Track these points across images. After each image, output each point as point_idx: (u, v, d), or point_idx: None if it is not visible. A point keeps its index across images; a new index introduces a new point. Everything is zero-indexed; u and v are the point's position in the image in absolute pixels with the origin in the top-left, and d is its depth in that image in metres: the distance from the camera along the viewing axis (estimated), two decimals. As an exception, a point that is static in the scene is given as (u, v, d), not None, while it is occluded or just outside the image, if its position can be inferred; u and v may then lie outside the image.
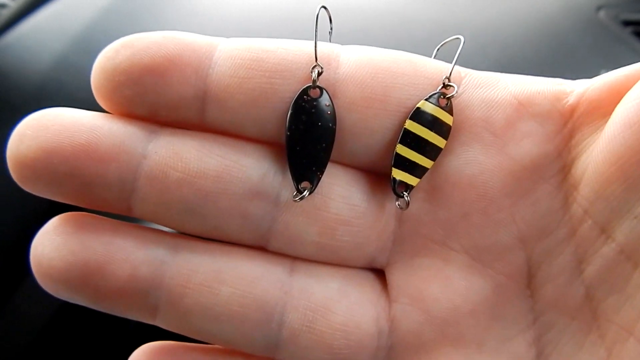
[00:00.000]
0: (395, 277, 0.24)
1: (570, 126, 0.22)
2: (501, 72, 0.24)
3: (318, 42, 0.22)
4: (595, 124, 0.21)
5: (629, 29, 0.52)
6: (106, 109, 0.22)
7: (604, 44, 0.51)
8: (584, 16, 0.54)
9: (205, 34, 0.22)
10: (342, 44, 0.23)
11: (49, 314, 0.46)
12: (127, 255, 0.21)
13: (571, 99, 0.22)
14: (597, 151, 0.21)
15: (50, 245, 0.21)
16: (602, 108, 0.21)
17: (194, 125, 0.22)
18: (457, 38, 0.24)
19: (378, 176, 0.24)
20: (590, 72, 0.46)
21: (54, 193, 0.22)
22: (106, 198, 0.22)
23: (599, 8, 0.54)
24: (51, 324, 0.47)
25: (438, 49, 0.25)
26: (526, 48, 0.51)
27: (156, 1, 0.55)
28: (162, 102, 0.21)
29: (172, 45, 0.21)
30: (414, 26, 0.53)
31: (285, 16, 0.54)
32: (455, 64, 0.22)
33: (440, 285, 0.23)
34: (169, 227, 0.23)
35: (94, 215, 0.23)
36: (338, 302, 0.23)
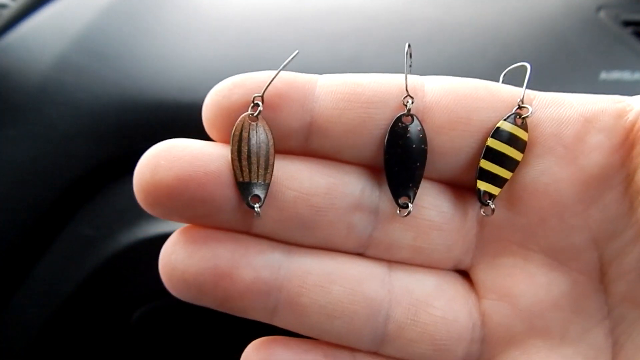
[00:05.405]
0: (481, 276, 0.27)
1: (631, 139, 0.24)
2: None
3: (402, 75, 0.25)
4: None
5: (629, 29, 0.52)
6: (217, 140, 0.25)
7: (604, 44, 0.51)
8: (584, 16, 0.54)
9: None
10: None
11: (49, 314, 0.46)
12: (250, 261, 0.24)
13: (631, 116, 0.24)
14: None
15: (183, 254, 0.24)
16: None
17: (297, 153, 0.25)
18: (523, 65, 0.26)
19: (459, 188, 0.27)
20: (590, 72, 0.46)
21: (185, 217, 0.24)
22: (231, 219, 0.24)
23: (599, 8, 0.54)
24: (51, 325, 0.47)
25: (505, 74, 0.28)
26: (526, 48, 0.51)
27: (156, 1, 0.55)
28: (274, 133, 0.24)
29: (280, 84, 0.24)
30: (414, 26, 0.53)
31: (285, 15, 0.54)
32: (525, 88, 0.25)
33: (524, 281, 0.26)
34: (284, 242, 0.25)
35: (213, 228, 0.24)
36: (436, 298, 0.26)
